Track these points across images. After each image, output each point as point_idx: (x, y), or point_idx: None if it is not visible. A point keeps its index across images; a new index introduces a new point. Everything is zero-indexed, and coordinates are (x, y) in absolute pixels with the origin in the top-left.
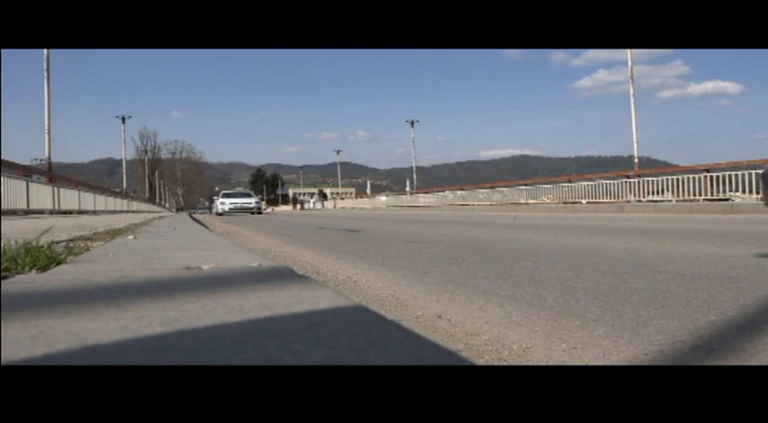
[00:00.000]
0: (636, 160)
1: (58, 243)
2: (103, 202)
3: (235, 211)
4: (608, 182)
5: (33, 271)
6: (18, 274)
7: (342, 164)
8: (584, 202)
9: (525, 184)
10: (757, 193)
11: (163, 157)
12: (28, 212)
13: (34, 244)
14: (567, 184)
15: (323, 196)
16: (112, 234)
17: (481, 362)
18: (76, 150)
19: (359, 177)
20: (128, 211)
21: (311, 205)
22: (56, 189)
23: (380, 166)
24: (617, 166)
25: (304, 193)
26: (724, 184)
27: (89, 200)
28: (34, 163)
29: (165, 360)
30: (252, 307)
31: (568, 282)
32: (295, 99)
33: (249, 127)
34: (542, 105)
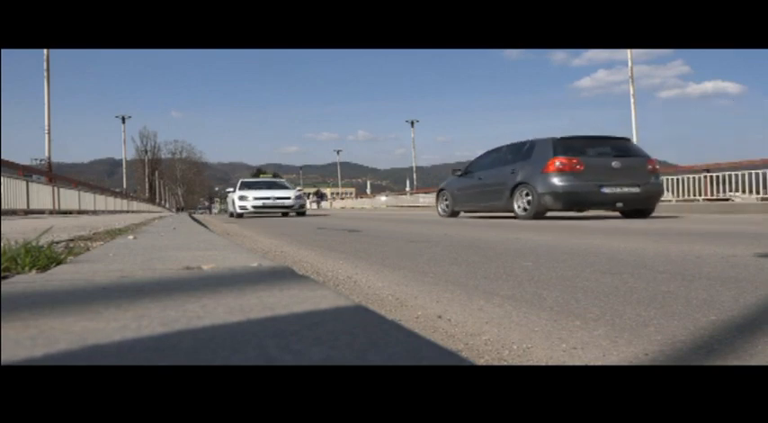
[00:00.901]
0: None
1: (58, 243)
2: (103, 202)
3: (263, 211)
4: None
5: (33, 271)
6: (18, 274)
7: (342, 164)
8: None
9: None
10: (757, 193)
11: (163, 157)
12: (28, 212)
13: (34, 244)
14: None
15: (320, 196)
16: (112, 234)
17: (481, 362)
18: (76, 150)
19: (359, 177)
20: (128, 211)
21: (308, 206)
22: (56, 189)
23: (380, 166)
24: None
25: (304, 194)
26: (724, 184)
27: (89, 200)
28: (34, 163)
29: (165, 360)
30: (252, 307)
31: (568, 282)
32: (295, 99)
33: (249, 127)
34: (542, 105)
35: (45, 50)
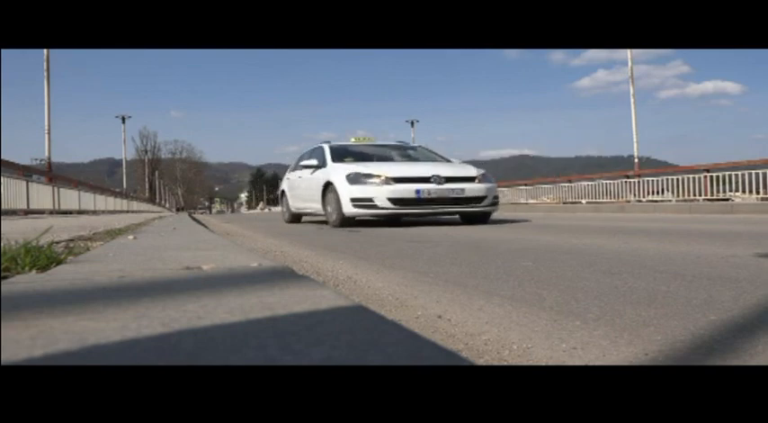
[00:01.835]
0: (636, 160)
1: (58, 243)
2: (103, 202)
3: (414, 210)
4: (608, 182)
5: (33, 271)
6: (18, 274)
7: None
8: (584, 202)
9: (525, 184)
10: (757, 193)
11: (163, 157)
12: (28, 212)
13: (34, 244)
14: (566, 184)
15: None
16: (112, 234)
17: (481, 362)
18: (76, 150)
19: None
20: (128, 211)
21: None
22: (56, 189)
23: None
24: (617, 166)
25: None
26: (724, 184)
27: (89, 200)
28: (34, 163)
29: (164, 360)
30: (252, 307)
31: (568, 282)
32: (295, 99)
33: (249, 127)
34: (542, 105)
35: (45, 50)
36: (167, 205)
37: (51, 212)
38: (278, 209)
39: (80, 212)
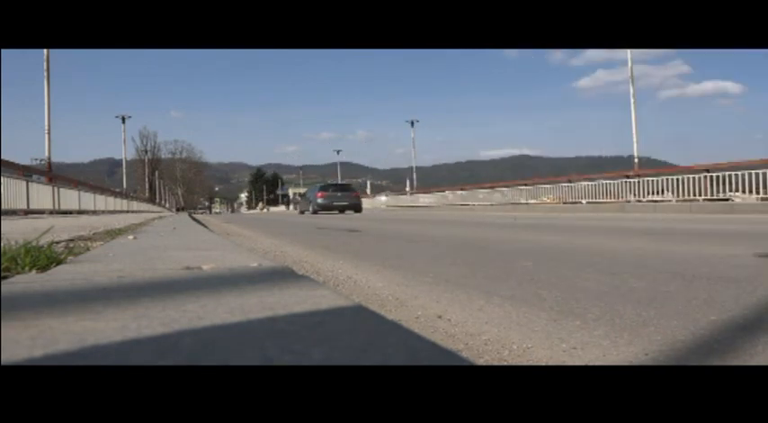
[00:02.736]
0: (636, 160)
1: (57, 243)
2: (103, 202)
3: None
4: (608, 182)
5: (33, 271)
6: (18, 274)
7: (342, 164)
8: (584, 202)
9: (525, 184)
10: (757, 193)
11: (163, 156)
12: (28, 212)
13: (34, 244)
14: (567, 184)
15: None
16: (112, 234)
17: (481, 362)
18: (76, 150)
19: (359, 177)
20: (128, 211)
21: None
22: (56, 189)
23: (380, 166)
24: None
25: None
26: (724, 184)
27: (89, 200)
28: (34, 163)
29: (165, 360)
30: (252, 307)
31: (568, 282)
32: (294, 99)
33: (249, 127)
34: (542, 105)
35: (45, 50)
36: (167, 205)
37: (51, 212)
38: (277, 209)
39: (80, 212)
